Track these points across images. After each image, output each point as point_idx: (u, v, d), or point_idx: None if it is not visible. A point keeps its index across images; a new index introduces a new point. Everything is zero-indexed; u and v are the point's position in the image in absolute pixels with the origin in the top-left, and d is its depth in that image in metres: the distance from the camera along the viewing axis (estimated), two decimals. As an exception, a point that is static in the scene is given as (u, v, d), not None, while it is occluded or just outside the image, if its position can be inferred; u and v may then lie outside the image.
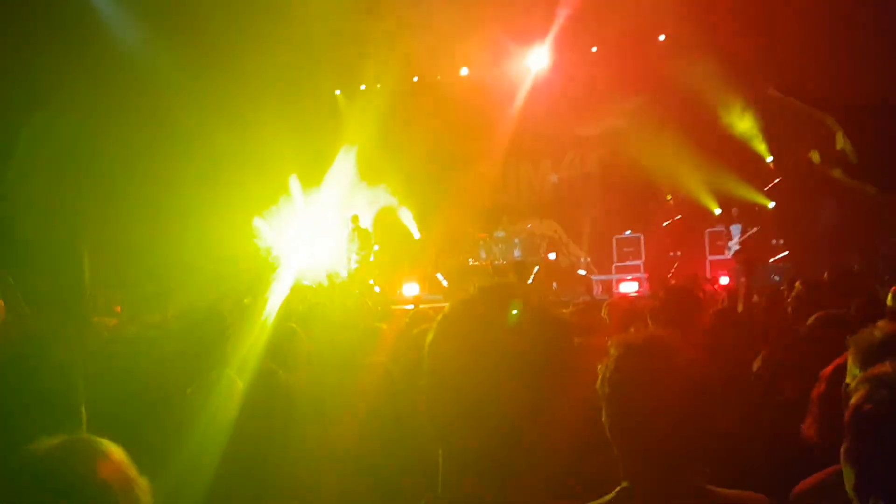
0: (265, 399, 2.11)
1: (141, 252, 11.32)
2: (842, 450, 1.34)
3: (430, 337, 1.23)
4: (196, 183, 12.75)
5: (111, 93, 11.57)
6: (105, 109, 11.28)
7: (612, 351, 1.43)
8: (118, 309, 10.49)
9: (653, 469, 1.30)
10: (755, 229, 10.98)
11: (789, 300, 4.41)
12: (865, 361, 2.03)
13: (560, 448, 1.18)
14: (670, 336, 1.51)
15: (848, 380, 2.01)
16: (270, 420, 2.06)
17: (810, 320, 3.06)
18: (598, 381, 1.41)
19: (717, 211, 12.33)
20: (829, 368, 2.26)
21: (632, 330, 1.82)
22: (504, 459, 1.13)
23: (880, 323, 2.38)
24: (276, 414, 2.08)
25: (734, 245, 11.29)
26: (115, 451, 1.24)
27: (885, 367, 1.44)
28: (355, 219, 11.69)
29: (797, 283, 4.32)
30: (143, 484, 1.23)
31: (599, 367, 1.43)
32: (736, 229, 11.34)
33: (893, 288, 3.69)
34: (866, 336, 2.17)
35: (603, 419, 1.39)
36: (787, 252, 11.20)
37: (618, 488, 1.34)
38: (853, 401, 1.41)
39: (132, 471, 1.24)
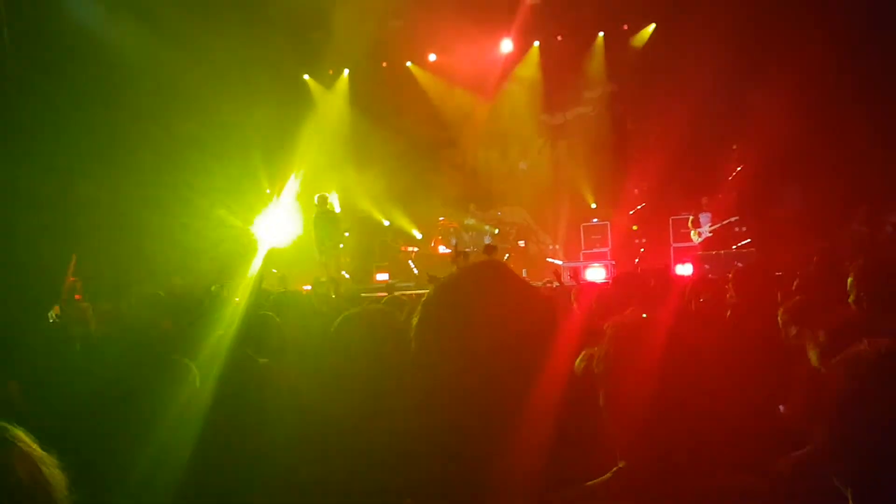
0: (240, 386, 2.06)
1: (101, 240, 11.06)
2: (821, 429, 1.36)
3: (415, 319, 1.22)
4: (158, 169, 12.50)
5: (68, 76, 11.24)
6: (62, 93, 10.95)
7: (607, 330, 1.44)
8: (78, 297, 10.24)
9: (650, 448, 1.30)
10: (734, 218, 11.14)
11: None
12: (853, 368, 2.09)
13: (545, 430, 1.18)
14: (660, 315, 1.53)
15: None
16: (245, 407, 2.02)
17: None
18: (594, 362, 1.42)
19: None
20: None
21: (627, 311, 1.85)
22: (495, 436, 1.14)
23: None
24: (252, 401, 2.03)
25: (705, 233, 11.45)
26: (26, 442, 1.22)
27: (861, 346, 1.47)
28: (323, 200, 11.50)
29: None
30: (56, 474, 1.21)
31: (587, 349, 1.44)
32: (705, 217, 11.50)
33: (851, 275, 3.61)
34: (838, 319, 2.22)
35: (600, 400, 1.39)
36: (749, 240, 11.40)
37: (615, 468, 1.34)
38: (830, 381, 1.43)
39: (47, 464, 1.22)
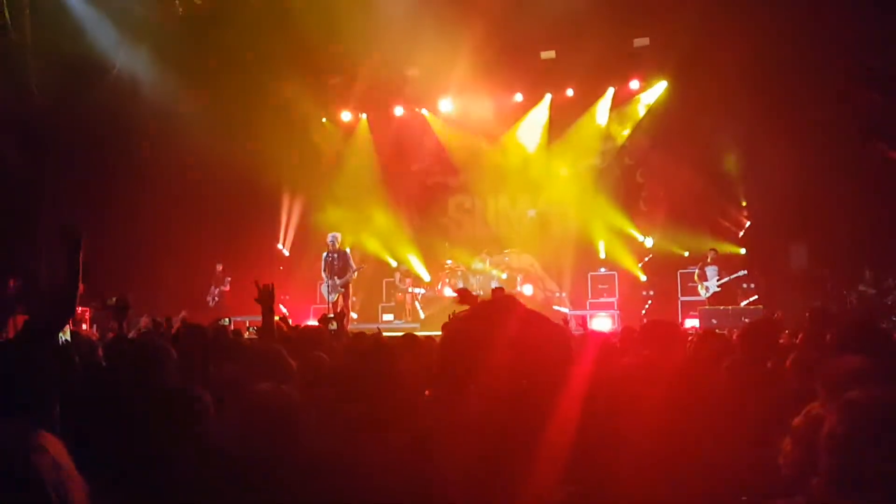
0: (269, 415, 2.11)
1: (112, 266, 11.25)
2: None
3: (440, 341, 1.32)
4: (175, 204, 12.81)
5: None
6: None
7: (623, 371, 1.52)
8: (86, 326, 10.32)
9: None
10: (742, 272, 11.17)
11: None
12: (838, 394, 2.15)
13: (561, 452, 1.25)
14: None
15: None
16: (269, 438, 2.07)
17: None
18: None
19: (685, 253, 12.62)
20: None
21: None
22: (515, 456, 1.19)
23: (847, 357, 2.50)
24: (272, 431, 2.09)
25: (712, 287, 11.45)
26: (53, 444, 1.22)
27: (853, 394, 1.55)
28: (333, 239, 11.66)
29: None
30: (79, 481, 1.21)
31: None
32: (712, 271, 11.53)
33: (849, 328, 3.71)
34: (834, 369, 2.28)
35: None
36: (756, 297, 11.44)
37: None
38: (827, 426, 1.50)
39: (70, 468, 1.22)
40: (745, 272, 11.16)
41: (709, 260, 11.62)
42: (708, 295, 11.44)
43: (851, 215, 10.42)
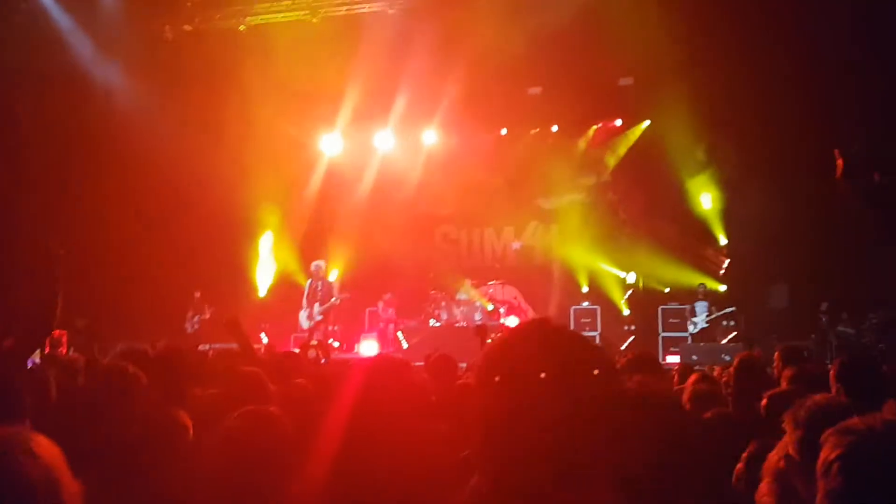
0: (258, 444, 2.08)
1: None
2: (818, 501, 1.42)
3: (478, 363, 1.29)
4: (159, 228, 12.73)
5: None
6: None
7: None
8: (63, 349, 10.10)
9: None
10: (731, 308, 11.26)
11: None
12: (801, 429, 2.16)
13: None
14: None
15: (786, 452, 2.11)
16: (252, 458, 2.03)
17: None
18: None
19: (666, 290, 12.73)
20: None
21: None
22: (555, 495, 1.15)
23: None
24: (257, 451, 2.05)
25: (701, 323, 11.51)
26: (47, 449, 1.21)
27: (852, 421, 1.55)
28: (317, 268, 11.62)
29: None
30: (73, 488, 1.20)
31: None
32: (701, 306, 11.60)
33: (832, 371, 3.73)
34: (800, 406, 2.29)
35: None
36: (735, 333, 11.52)
37: None
38: (823, 453, 1.50)
39: (63, 472, 1.21)
40: (735, 308, 11.25)
41: (699, 296, 11.70)
42: (696, 330, 11.50)
43: (831, 255, 10.58)
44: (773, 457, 2.33)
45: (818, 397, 2.65)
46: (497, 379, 1.21)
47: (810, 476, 1.90)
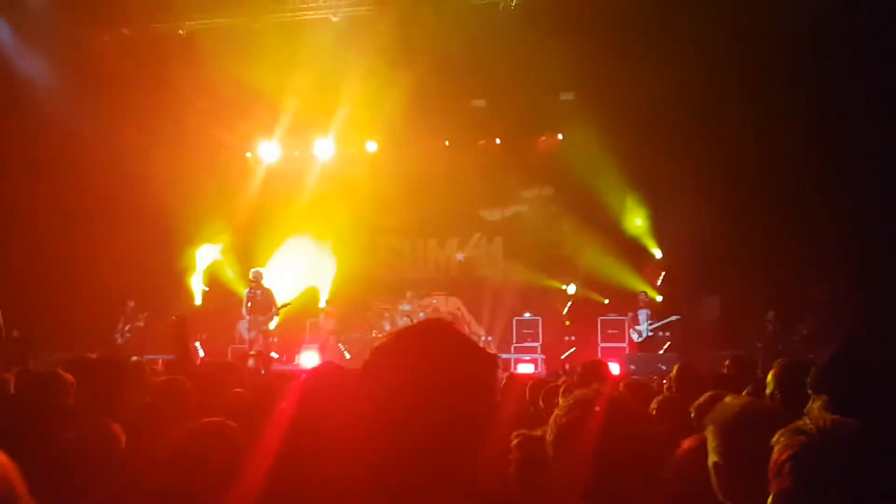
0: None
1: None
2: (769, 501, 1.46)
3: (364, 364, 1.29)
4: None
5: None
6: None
7: (562, 401, 1.54)
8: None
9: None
10: (675, 317, 11.52)
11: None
12: (725, 435, 2.22)
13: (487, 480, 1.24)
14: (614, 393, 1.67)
15: (712, 458, 2.17)
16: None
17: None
18: (549, 428, 1.51)
19: (605, 301, 13.00)
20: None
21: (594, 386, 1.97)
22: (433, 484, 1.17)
23: (728, 398, 2.60)
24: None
25: (644, 331, 11.74)
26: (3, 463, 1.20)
27: (800, 422, 1.61)
28: (257, 276, 11.37)
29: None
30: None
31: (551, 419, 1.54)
32: (643, 315, 11.85)
33: (771, 372, 3.87)
34: (722, 412, 2.36)
35: (551, 462, 1.47)
36: (669, 343, 11.84)
37: None
38: (775, 454, 1.55)
39: (19, 486, 1.20)
40: (679, 317, 11.52)
41: (640, 304, 11.96)
42: (641, 339, 11.73)
43: (761, 267, 11.02)
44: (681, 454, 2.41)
45: (738, 400, 2.74)
46: (381, 374, 1.23)
47: (736, 480, 1.96)
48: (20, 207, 12.05)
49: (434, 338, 1.27)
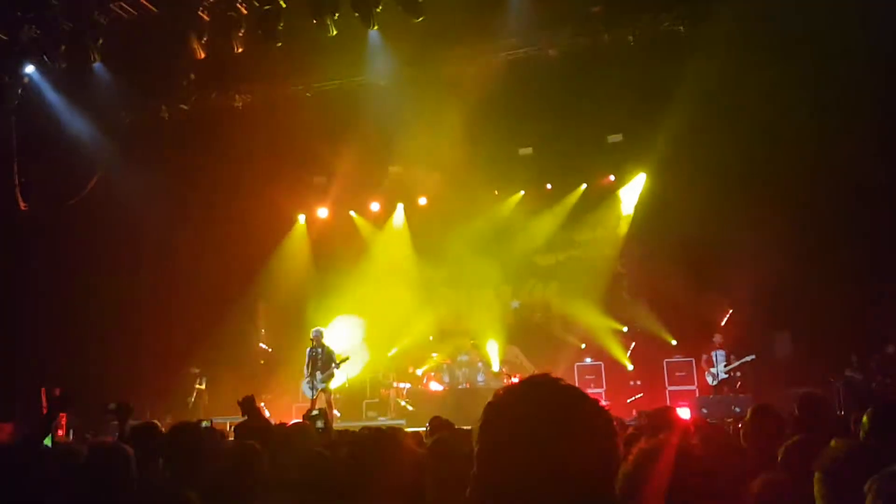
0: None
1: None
2: None
3: (479, 423, 1.29)
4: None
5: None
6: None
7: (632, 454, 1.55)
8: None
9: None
10: (751, 357, 11.14)
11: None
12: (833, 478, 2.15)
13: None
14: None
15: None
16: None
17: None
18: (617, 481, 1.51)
19: (674, 342, 12.62)
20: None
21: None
22: None
23: (833, 442, 2.50)
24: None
25: (720, 373, 11.35)
26: None
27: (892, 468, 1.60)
28: (317, 334, 11.51)
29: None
30: None
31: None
32: (719, 355, 11.47)
33: (866, 416, 3.73)
34: (830, 456, 2.27)
35: None
36: (740, 384, 11.41)
37: None
38: (868, 500, 1.48)
39: None
40: (754, 357, 11.11)
41: (715, 345, 11.58)
42: (716, 382, 11.33)
43: (834, 301, 10.59)
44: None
45: (841, 444, 2.62)
46: (498, 433, 1.23)
47: None
48: (88, 282, 12.53)
49: (546, 390, 1.28)
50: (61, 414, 10.00)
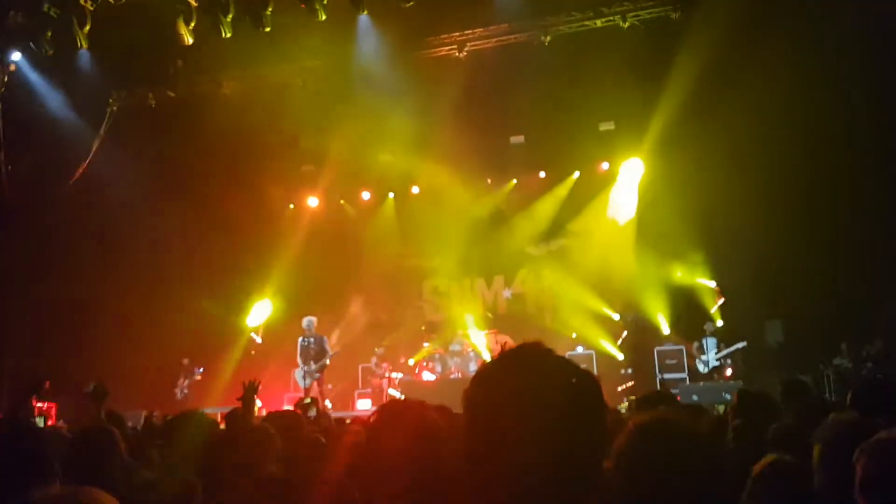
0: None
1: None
2: None
3: (467, 393, 1.26)
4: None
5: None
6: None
7: (629, 427, 1.52)
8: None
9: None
10: (742, 344, 11.16)
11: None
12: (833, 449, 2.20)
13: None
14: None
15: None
16: None
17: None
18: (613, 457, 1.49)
19: (665, 331, 12.63)
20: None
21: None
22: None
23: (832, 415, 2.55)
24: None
25: (712, 360, 11.36)
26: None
27: (880, 435, 1.67)
28: (309, 324, 11.46)
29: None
30: None
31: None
32: (711, 343, 11.48)
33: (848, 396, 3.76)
34: (830, 428, 2.33)
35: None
36: (731, 370, 11.43)
37: None
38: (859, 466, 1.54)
39: None
40: (745, 344, 11.13)
41: (707, 332, 11.58)
42: (708, 369, 11.35)
43: (826, 290, 10.62)
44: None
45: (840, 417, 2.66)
46: (486, 399, 1.21)
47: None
48: (75, 268, 12.43)
49: (534, 358, 1.24)
50: (52, 405, 9.94)
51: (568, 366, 1.25)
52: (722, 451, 3.16)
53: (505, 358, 1.26)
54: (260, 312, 14.15)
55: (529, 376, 1.20)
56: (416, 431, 1.89)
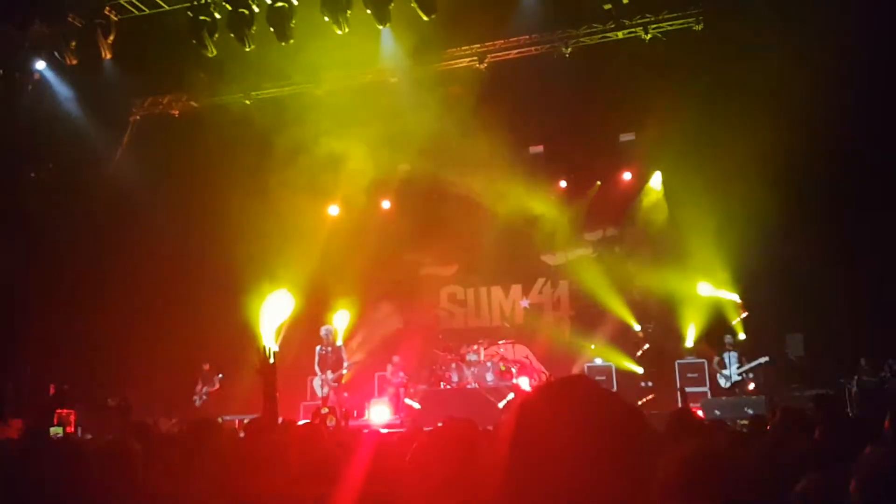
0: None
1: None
2: None
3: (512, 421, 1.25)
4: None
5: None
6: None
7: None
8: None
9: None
10: (765, 359, 11.01)
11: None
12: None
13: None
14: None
15: None
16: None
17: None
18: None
19: (689, 343, 12.50)
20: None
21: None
22: None
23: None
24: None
25: (734, 375, 11.20)
26: None
27: None
28: (327, 333, 11.47)
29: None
30: None
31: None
32: (732, 357, 11.34)
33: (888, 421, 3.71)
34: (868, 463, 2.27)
35: None
36: (753, 385, 11.30)
37: None
38: None
39: None
40: (768, 359, 10.98)
41: (727, 347, 11.43)
42: (728, 384, 11.18)
43: (847, 303, 10.49)
44: None
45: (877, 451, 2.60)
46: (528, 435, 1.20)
47: None
48: (95, 277, 12.53)
49: (580, 391, 1.24)
50: (70, 412, 10.02)
51: (616, 400, 1.24)
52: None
53: (551, 388, 1.26)
54: (279, 312, 14.10)
55: (577, 411, 1.20)
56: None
